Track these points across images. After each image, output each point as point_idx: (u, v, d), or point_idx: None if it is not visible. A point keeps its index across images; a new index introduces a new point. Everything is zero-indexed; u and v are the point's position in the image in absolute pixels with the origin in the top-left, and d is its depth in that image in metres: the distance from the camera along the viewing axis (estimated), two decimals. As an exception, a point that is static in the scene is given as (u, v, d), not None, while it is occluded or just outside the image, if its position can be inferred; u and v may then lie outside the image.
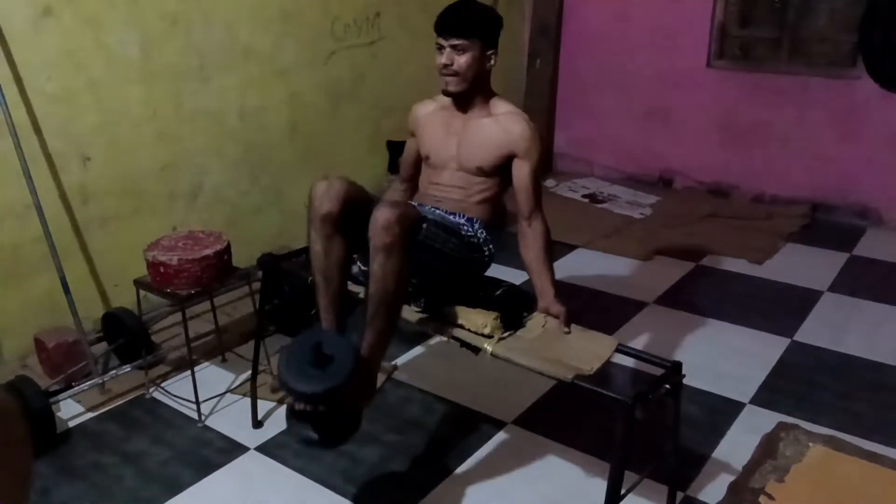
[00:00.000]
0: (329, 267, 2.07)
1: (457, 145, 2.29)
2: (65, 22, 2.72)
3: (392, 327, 2.00)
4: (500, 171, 2.26)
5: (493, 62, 2.24)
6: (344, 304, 2.13)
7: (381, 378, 2.79)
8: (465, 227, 2.24)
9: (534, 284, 2.22)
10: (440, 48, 2.21)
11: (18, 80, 2.63)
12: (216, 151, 3.36)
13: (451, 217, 2.27)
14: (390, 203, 1.98)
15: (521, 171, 2.22)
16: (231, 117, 3.40)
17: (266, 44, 3.47)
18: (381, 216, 1.90)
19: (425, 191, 2.39)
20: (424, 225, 2.04)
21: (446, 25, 2.19)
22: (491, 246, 2.29)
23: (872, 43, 4.12)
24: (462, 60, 2.18)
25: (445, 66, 2.19)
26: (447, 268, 2.16)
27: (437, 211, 2.26)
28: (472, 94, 2.25)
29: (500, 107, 2.27)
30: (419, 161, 2.46)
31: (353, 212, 2.04)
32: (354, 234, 2.04)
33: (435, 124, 2.35)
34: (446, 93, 2.26)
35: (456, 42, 2.17)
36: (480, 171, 2.26)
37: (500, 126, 2.23)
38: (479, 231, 2.27)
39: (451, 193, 2.31)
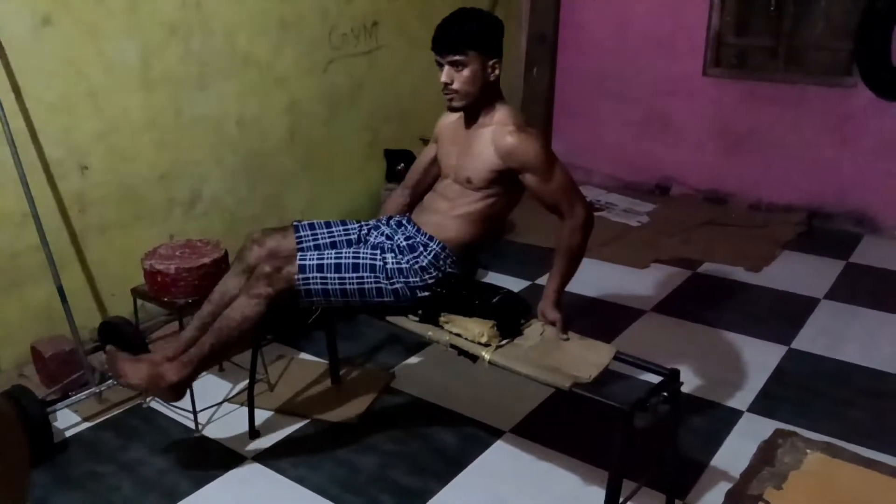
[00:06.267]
0: (222, 304, 2.24)
1: (457, 155, 2.25)
2: (64, 31, 2.72)
3: (209, 361, 2.18)
4: (496, 184, 2.17)
5: (497, 71, 2.14)
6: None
7: (378, 386, 2.79)
8: (417, 251, 2.21)
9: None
10: (440, 65, 2.13)
11: (17, 88, 2.63)
12: (215, 159, 3.37)
13: (406, 240, 2.25)
14: (273, 265, 2.12)
15: (529, 184, 2.13)
16: (230, 125, 3.40)
17: (265, 52, 3.48)
18: (262, 270, 2.11)
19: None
20: (315, 277, 2.12)
21: (440, 42, 2.11)
22: (449, 266, 2.22)
23: (868, 51, 4.14)
24: (462, 76, 2.10)
25: (446, 84, 2.12)
26: (370, 298, 2.19)
27: (394, 236, 2.29)
28: (478, 106, 2.18)
29: (497, 116, 2.17)
30: (428, 169, 2.44)
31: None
32: None
33: (447, 134, 2.32)
34: (451, 109, 2.20)
35: (453, 58, 2.08)
36: (470, 184, 2.18)
37: (492, 140, 2.13)
38: (433, 251, 2.20)
39: (436, 203, 2.27)
